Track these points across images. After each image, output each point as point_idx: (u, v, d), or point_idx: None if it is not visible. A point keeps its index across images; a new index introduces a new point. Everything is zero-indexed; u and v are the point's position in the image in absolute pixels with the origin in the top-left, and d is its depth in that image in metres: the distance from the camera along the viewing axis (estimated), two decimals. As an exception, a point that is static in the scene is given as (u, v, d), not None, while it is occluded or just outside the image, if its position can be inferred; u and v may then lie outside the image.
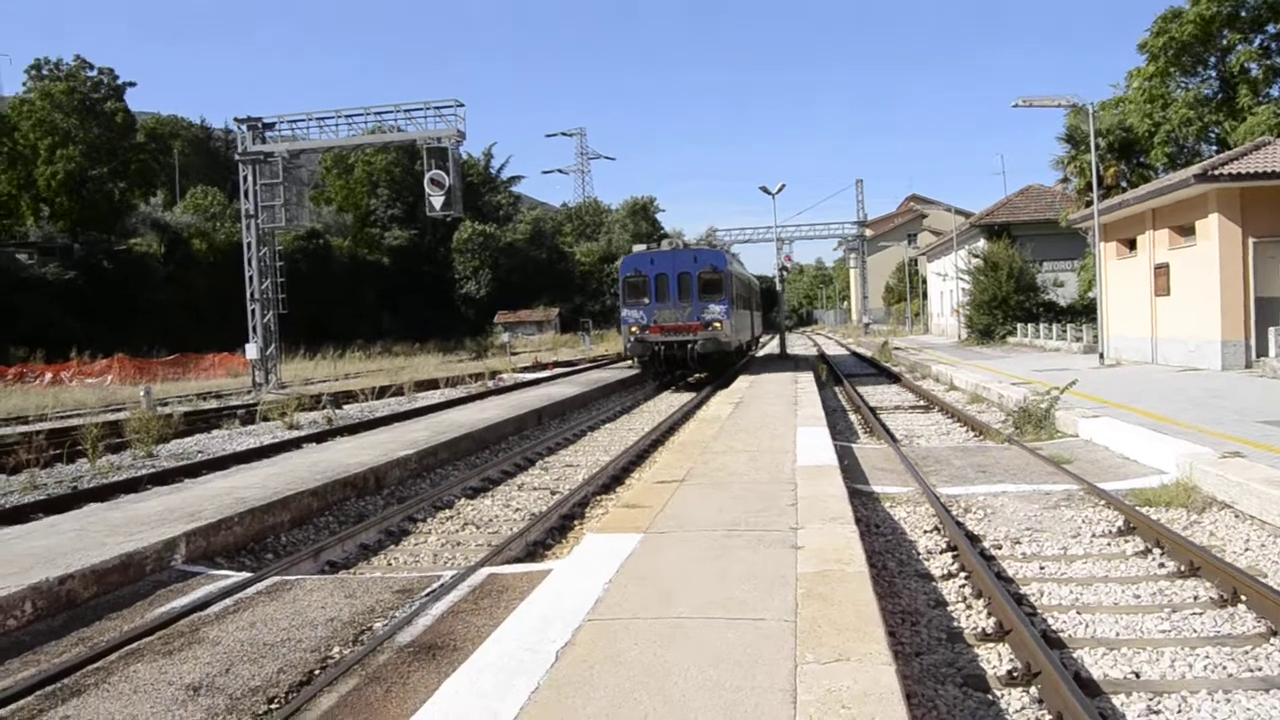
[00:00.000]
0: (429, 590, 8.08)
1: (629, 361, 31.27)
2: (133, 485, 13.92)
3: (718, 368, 31.21)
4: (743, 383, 26.59)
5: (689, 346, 28.57)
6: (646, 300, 29.24)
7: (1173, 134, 38.00)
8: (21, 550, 8.81)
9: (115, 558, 8.40)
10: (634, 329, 29.33)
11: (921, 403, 24.42)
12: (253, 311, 38.33)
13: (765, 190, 45.59)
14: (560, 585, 6.85)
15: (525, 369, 44.08)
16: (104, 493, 13.48)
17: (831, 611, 5.91)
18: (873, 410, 21.99)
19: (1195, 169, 25.12)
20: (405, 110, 36.75)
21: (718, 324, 28.69)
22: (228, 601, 7.92)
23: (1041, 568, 8.74)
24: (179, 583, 8.55)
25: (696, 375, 32.44)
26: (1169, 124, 37.90)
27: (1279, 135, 30.37)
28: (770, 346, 54.99)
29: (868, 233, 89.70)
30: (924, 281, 79.47)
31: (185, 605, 7.78)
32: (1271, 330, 22.49)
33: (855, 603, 6.09)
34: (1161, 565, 8.57)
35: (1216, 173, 23.52)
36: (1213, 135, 38.20)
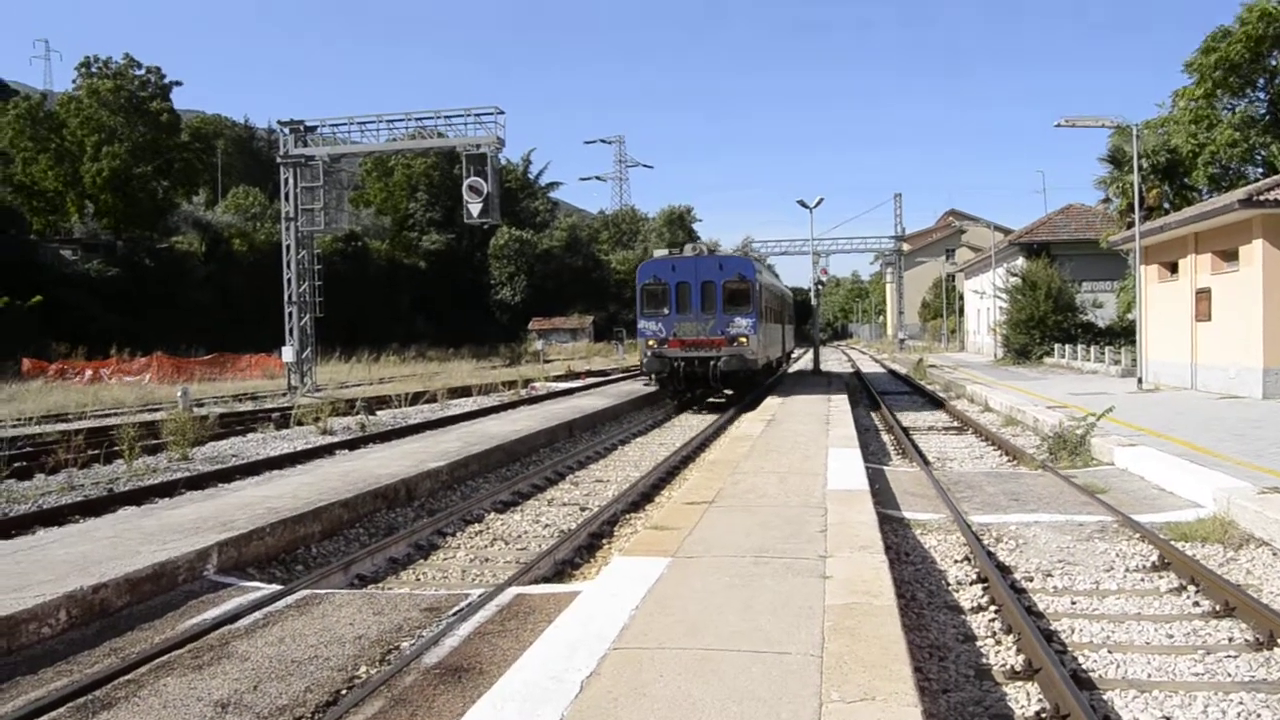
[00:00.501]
0: (456, 609, 8.11)
1: (648, 377, 28.48)
2: (168, 489, 14.08)
3: (743, 387, 28.68)
4: (770, 404, 24.91)
5: (711, 363, 26.22)
6: (666, 311, 26.91)
7: (1217, 156, 37.56)
8: (58, 557, 8.93)
9: (148, 566, 8.49)
10: (651, 342, 27.03)
11: (955, 424, 24.25)
12: (290, 314, 38.67)
13: (803, 204, 45.51)
14: (587, 610, 6.85)
15: (558, 378, 44.18)
16: (139, 496, 13.64)
17: (858, 647, 5.87)
18: (905, 430, 21.85)
19: (1240, 193, 24.79)
20: (446, 116, 36.99)
21: (744, 339, 26.32)
22: (257, 615, 7.99)
23: (1073, 603, 8.64)
24: (210, 593, 8.63)
25: (719, 395, 29.84)
26: (1214, 145, 37.47)
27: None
28: (804, 361, 54.79)
29: (905, 247, 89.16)
30: (961, 298, 78.94)
31: (216, 617, 7.85)
32: (1315, 359, 22.14)
33: (882, 638, 6.05)
34: (1196, 604, 8.45)
35: (1262, 198, 23.20)
36: (1259, 157, 37.75)
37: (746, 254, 33.27)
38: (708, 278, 26.78)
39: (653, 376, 27.78)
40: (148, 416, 24.64)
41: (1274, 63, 38.05)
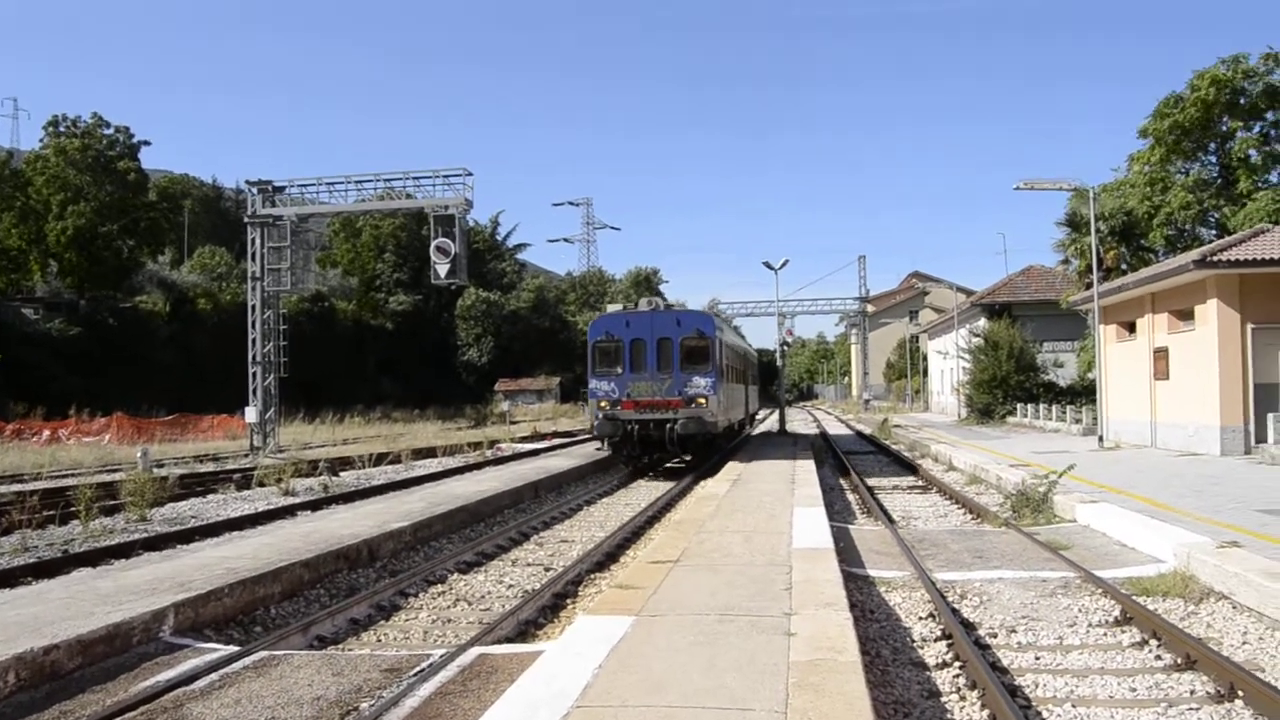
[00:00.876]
0: (417, 670, 8.00)
1: (600, 442, 26.60)
2: (124, 550, 13.84)
3: (702, 451, 26.43)
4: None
5: (668, 426, 24.39)
6: (619, 370, 25.17)
7: (1172, 218, 38.37)
8: (9, 618, 8.74)
9: (102, 628, 8.33)
10: (603, 403, 25.12)
11: (920, 483, 24.35)
12: (254, 374, 38.40)
13: (768, 265, 45.94)
14: (550, 669, 6.78)
15: (524, 439, 44.00)
16: (95, 557, 13.38)
17: (822, 703, 5.84)
18: (870, 490, 21.91)
19: (1194, 254, 25.34)
20: (414, 177, 37.19)
21: (703, 399, 24.59)
22: (214, 677, 7.84)
23: (1037, 658, 8.65)
24: (166, 655, 8.47)
25: (678, 460, 27.91)
26: (1169, 208, 38.29)
27: (1277, 222, 30.70)
28: (769, 422, 54.88)
29: (869, 309, 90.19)
30: (925, 359, 79.67)
31: (171, 679, 7.69)
32: (1270, 416, 22.51)
33: (846, 694, 6.02)
34: (1158, 657, 8.49)
35: (1215, 259, 23.73)
36: (1212, 220, 38.60)
37: (716, 314, 32.30)
38: (664, 334, 25.16)
39: (605, 441, 25.88)
40: (106, 477, 24.24)
41: (1224, 128, 39.10)
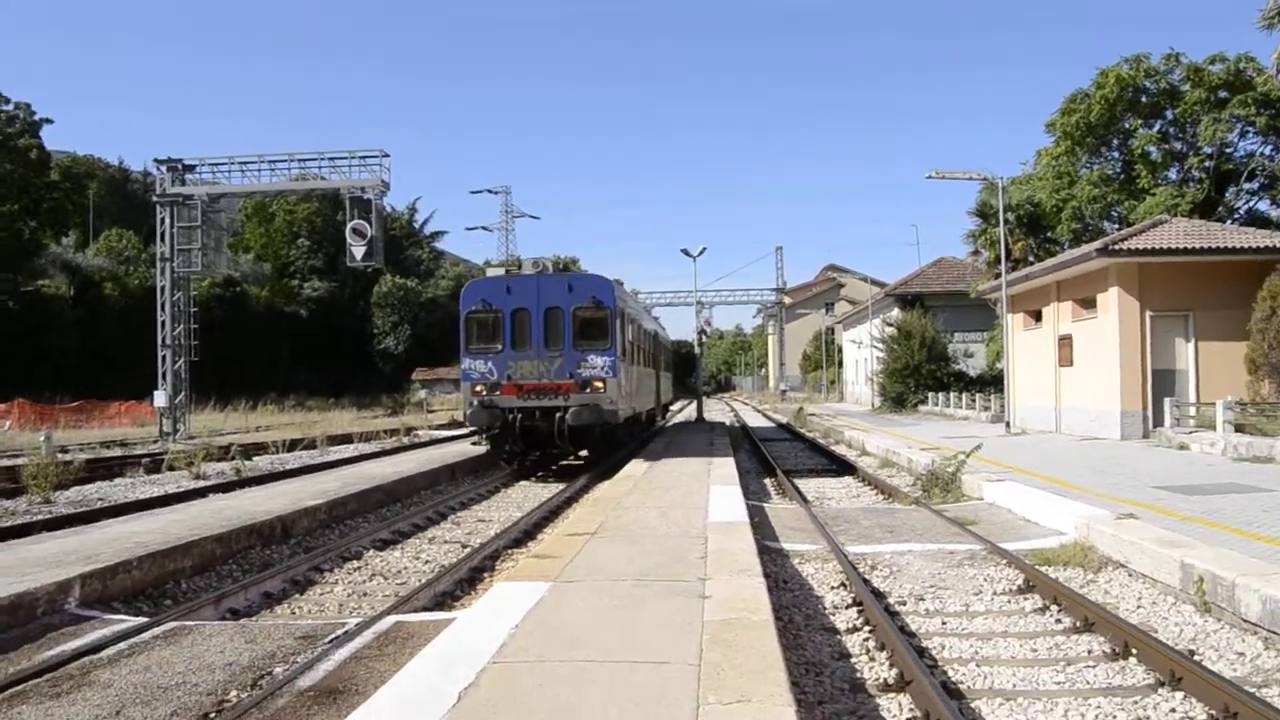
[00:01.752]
0: (332, 637, 7.95)
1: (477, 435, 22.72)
2: (27, 530, 13.45)
3: (600, 445, 22.37)
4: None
5: (557, 415, 20.31)
6: (499, 346, 20.81)
7: (1079, 211, 39.63)
8: (-97, 590, 8.46)
9: (3, 598, 8.11)
10: (479, 388, 20.76)
11: (833, 466, 24.74)
12: (163, 358, 37.48)
13: (686, 253, 46.15)
14: (466, 630, 6.80)
15: (441, 426, 43.68)
16: (-5, 536, 13.00)
17: (736, 656, 5.96)
18: (786, 473, 22.21)
19: (1097, 244, 26.15)
20: (330, 158, 36.64)
21: (600, 383, 20.56)
22: (122, 645, 7.70)
23: (944, 623, 8.91)
24: (71, 626, 8.29)
25: (572, 456, 23.83)
26: (1075, 201, 39.55)
27: (1175, 214, 31.84)
28: (686, 413, 55.17)
29: (786, 300, 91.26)
30: (840, 350, 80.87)
31: (77, 648, 7.54)
32: (1167, 401, 23.34)
33: (759, 649, 6.16)
34: (1059, 621, 8.80)
35: (1116, 248, 24.54)
36: (1115, 214, 39.95)
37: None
38: (553, 303, 20.91)
39: (482, 434, 21.73)
40: (6, 463, 23.49)
41: (1127, 125, 40.43)
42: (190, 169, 37.57)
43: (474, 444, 23.98)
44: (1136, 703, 6.66)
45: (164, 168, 37.73)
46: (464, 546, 13.49)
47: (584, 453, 23.27)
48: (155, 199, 38.55)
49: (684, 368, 69.65)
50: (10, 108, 66.80)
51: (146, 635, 7.99)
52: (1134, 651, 7.61)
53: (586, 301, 20.99)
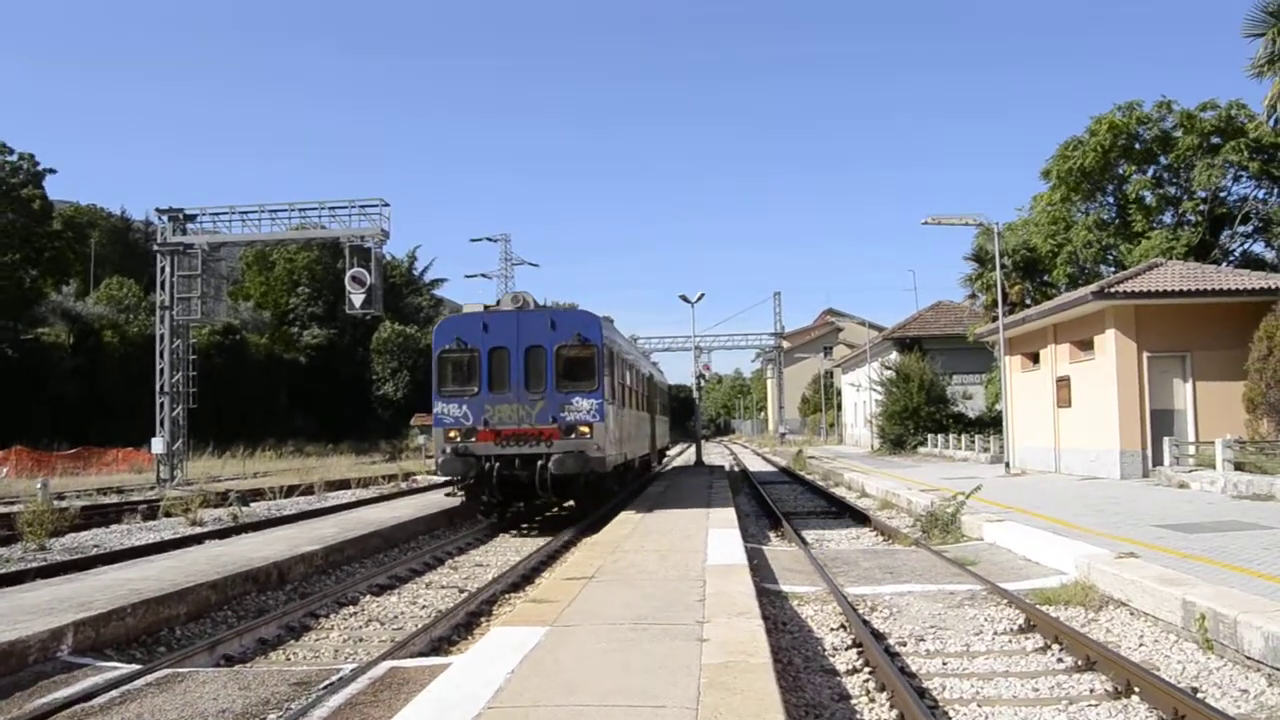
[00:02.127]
0: (327, 683, 7.88)
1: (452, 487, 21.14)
2: (19, 578, 13.35)
3: (587, 496, 20.51)
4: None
5: (539, 463, 18.53)
6: (475, 389, 19.17)
7: (1074, 255, 39.85)
8: (-105, 638, 8.39)
9: (-4, 646, 8.05)
10: (453, 433, 19.13)
11: (833, 508, 24.66)
12: (161, 405, 37.48)
13: (685, 299, 46.20)
14: (461, 676, 6.75)
15: (440, 470, 43.42)
16: (-11, 584, 12.91)
17: (734, 700, 5.91)
18: (785, 516, 22.12)
19: (1093, 287, 26.28)
20: (330, 208, 36.91)
21: (585, 428, 18.88)
22: (115, 693, 7.62)
23: (944, 663, 8.84)
24: (64, 674, 8.21)
25: (556, 508, 22.35)
26: (1071, 245, 39.78)
27: (1170, 257, 32.00)
28: (685, 457, 55.00)
29: (785, 344, 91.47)
30: (839, 393, 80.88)
31: (68, 696, 7.46)
32: (1166, 440, 23.35)
33: (757, 692, 6.11)
34: (1060, 660, 8.73)
35: (1112, 290, 24.66)
36: (1110, 257, 40.14)
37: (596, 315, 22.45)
38: (535, 341, 19.24)
39: (456, 486, 20.35)
40: (2, 510, 23.38)
41: (1121, 170, 40.74)
42: (191, 218, 37.82)
43: (448, 494, 21.86)
44: (1139, 743, 6.59)
45: (165, 217, 37.99)
46: (461, 591, 13.40)
47: (568, 503, 21.61)
48: (156, 248, 38.78)
49: (683, 412, 69.59)
50: (14, 158, 67.21)
51: (139, 683, 7.91)
52: (1136, 690, 7.55)
53: (571, 339, 19.24)
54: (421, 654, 9.43)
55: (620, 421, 21.90)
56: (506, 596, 12.84)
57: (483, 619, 11.51)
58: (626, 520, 17.44)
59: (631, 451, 25.02)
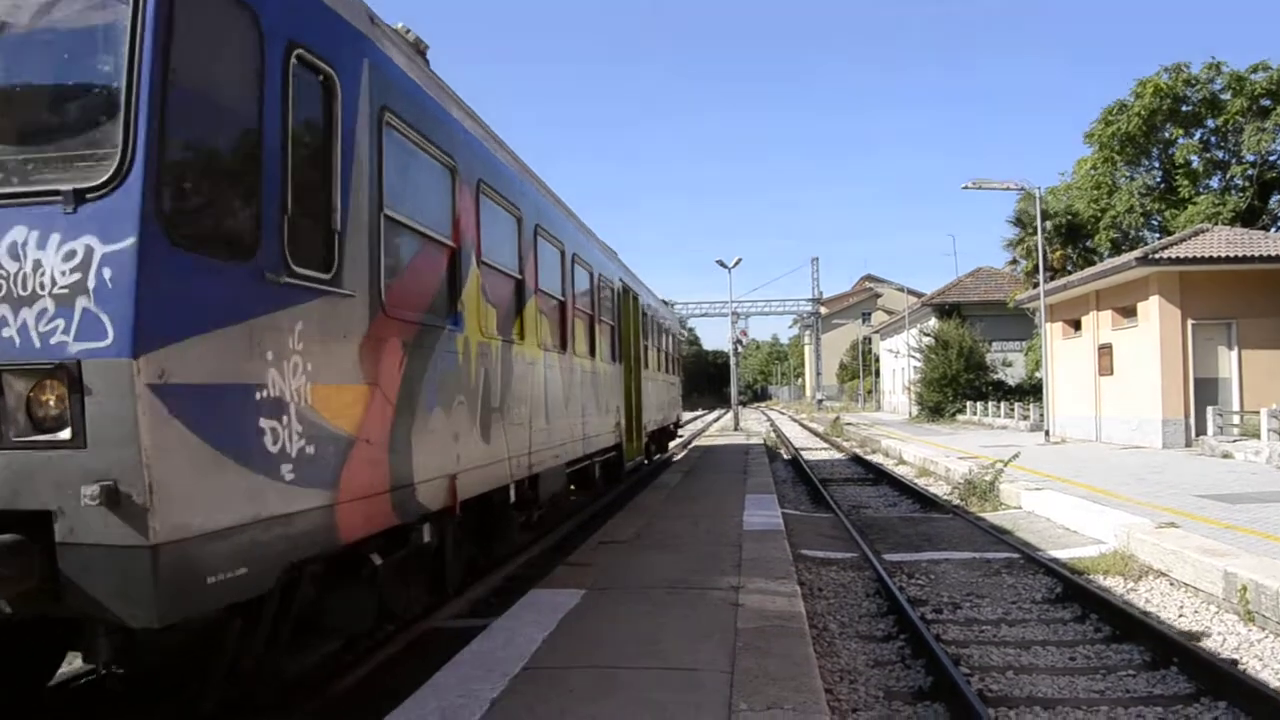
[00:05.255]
0: (366, 644, 7.98)
1: None
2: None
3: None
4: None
5: None
6: None
7: (1117, 220, 39.21)
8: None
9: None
10: None
11: (870, 475, 24.58)
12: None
13: (721, 264, 46.14)
14: (499, 637, 6.81)
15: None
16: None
17: (769, 663, 5.93)
18: (822, 482, 22.09)
19: (1137, 253, 25.88)
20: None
21: None
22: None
23: (980, 631, 8.82)
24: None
25: None
26: (1114, 211, 39.14)
27: (1217, 223, 31.44)
28: (723, 422, 55.01)
29: (822, 310, 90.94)
30: (877, 359, 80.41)
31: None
32: (1210, 409, 23.03)
33: (792, 656, 6.13)
34: (1098, 629, 8.69)
35: (1157, 256, 24.27)
36: (1155, 223, 39.48)
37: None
38: None
39: None
40: None
41: (1167, 134, 39.95)
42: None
43: None
44: (1178, 712, 6.57)
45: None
46: (485, 558, 13.49)
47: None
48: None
49: (719, 378, 69.27)
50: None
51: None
52: (1175, 660, 7.50)
53: None
54: (459, 616, 9.52)
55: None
56: (545, 560, 12.92)
57: (522, 583, 11.60)
58: (662, 485, 17.49)
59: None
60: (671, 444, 28.78)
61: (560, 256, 12.08)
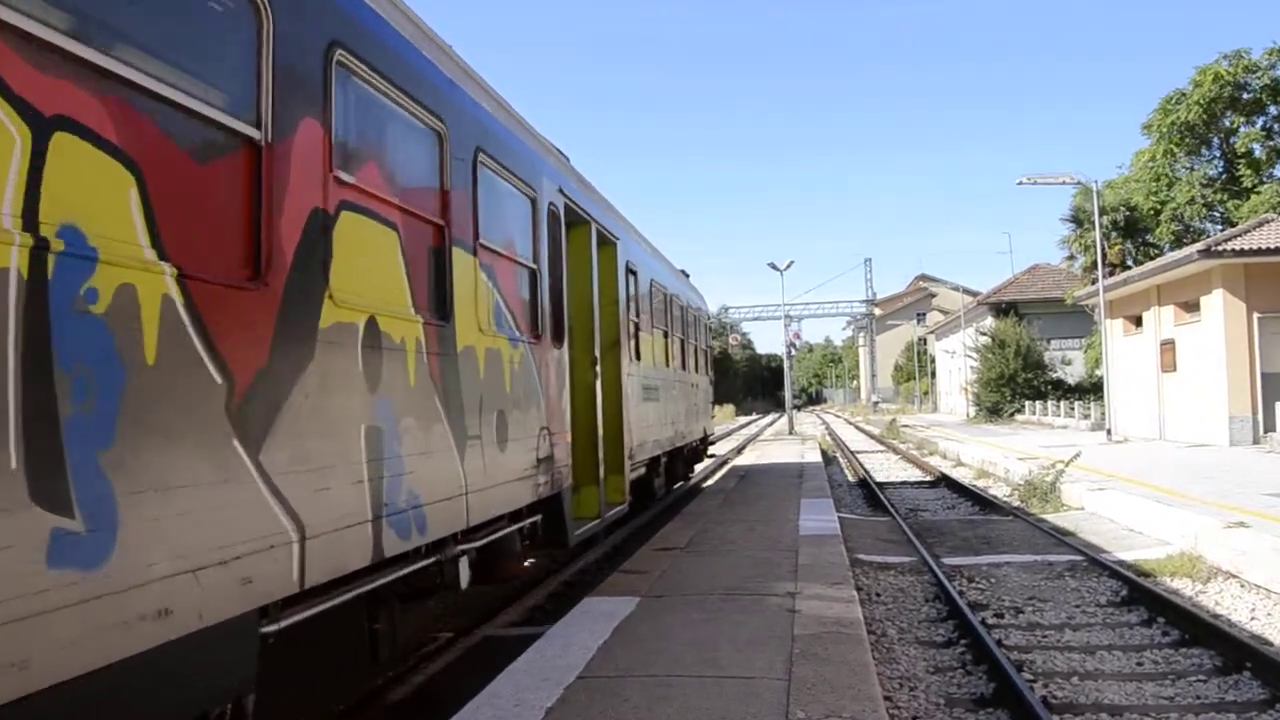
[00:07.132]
0: (425, 651, 8.03)
1: None
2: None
3: None
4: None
5: None
6: None
7: (1177, 213, 38.42)
8: None
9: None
10: None
11: (928, 477, 24.31)
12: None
13: (773, 266, 45.90)
14: (554, 646, 6.80)
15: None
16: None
17: (826, 670, 5.85)
18: (879, 485, 21.88)
19: (1199, 246, 25.34)
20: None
21: None
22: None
23: (1044, 636, 8.65)
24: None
25: None
26: (1174, 203, 38.36)
27: (1282, 214, 30.68)
28: (777, 426, 54.72)
29: (876, 311, 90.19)
30: (932, 360, 79.59)
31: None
32: (1278, 405, 22.45)
33: (850, 663, 6.04)
34: (1165, 634, 8.47)
35: (1220, 249, 23.76)
36: (1217, 214, 38.62)
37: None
38: None
39: None
40: None
41: (1228, 123, 39.07)
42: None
43: None
44: (1252, 719, 6.37)
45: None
46: (554, 561, 13.52)
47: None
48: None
49: (773, 382, 68.95)
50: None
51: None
52: (1248, 665, 7.28)
53: None
54: (515, 624, 9.54)
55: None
56: (601, 569, 12.92)
57: (577, 590, 11.61)
58: (718, 491, 17.42)
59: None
60: (699, 465, 22.68)
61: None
